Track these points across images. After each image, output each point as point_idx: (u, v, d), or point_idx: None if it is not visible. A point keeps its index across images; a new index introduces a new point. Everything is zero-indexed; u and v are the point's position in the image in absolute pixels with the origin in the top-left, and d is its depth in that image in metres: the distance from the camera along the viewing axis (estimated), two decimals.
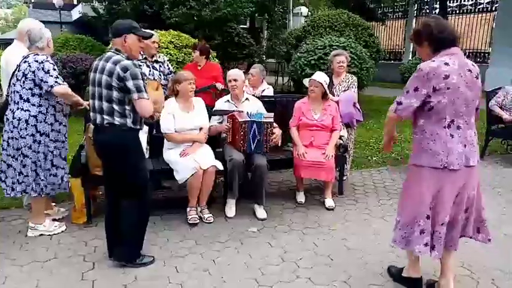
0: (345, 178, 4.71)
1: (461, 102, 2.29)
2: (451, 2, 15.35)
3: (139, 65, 4.35)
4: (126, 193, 2.82)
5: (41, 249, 3.15)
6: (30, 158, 3.23)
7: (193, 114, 3.82)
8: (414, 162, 2.44)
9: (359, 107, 4.57)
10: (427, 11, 15.52)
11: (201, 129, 3.84)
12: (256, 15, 14.63)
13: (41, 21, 3.77)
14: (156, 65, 4.43)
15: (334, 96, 4.47)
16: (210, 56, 7.42)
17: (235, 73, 4.07)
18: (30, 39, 3.30)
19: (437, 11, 14.61)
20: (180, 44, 7.05)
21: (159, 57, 4.47)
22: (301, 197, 4.15)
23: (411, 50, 15.98)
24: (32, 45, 3.31)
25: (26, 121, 3.19)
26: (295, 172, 4.02)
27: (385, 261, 2.99)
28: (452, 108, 2.28)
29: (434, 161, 2.32)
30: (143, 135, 3.99)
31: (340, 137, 4.32)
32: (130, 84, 2.61)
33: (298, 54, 8.39)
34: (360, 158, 5.74)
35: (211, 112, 4.04)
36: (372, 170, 5.29)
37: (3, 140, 3.28)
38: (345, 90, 4.53)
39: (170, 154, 3.72)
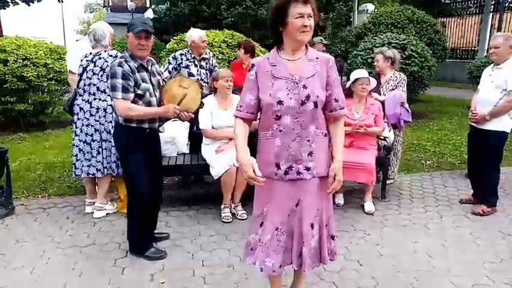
0: (391, 182, 4.50)
1: None
2: None
3: (188, 65, 4.49)
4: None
5: (83, 235, 3.37)
6: (110, 142, 3.54)
7: (232, 111, 3.83)
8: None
9: (408, 107, 4.32)
10: (510, 4, 14.28)
11: None
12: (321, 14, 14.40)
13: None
14: (203, 63, 4.54)
15: (380, 95, 4.28)
16: (260, 53, 7.46)
17: None
18: (96, 38, 3.62)
19: None
20: (233, 43, 7.14)
21: (206, 53, 4.57)
22: (339, 199, 4.02)
23: (485, 48, 14.75)
24: (97, 43, 3.63)
25: (105, 109, 3.52)
26: None
27: (417, 271, 2.80)
28: None
29: None
30: (184, 131, 4.13)
31: (384, 138, 4.12)
32: (108, 82, 2.73)
33: (355, 52, 8.14)
34: (412, 162, 5.43)
35: None
36: (424, 175, 4.97)
37: (77, 127, 3.60)
38: (392, 89, 4.31)
39: (207, 150, 3.79)
